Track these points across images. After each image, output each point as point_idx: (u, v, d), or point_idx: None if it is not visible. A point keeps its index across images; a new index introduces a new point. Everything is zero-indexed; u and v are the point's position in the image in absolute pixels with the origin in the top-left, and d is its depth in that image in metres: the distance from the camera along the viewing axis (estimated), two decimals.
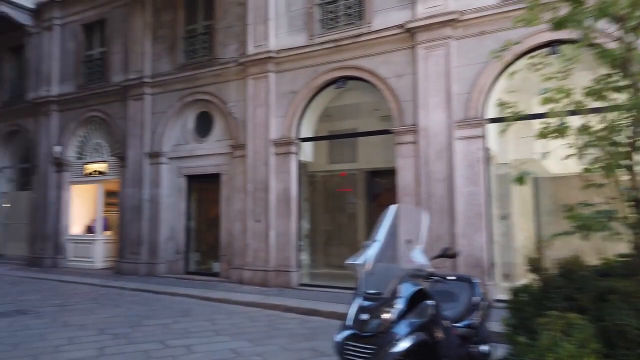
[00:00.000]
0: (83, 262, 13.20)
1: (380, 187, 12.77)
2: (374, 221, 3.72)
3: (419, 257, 3.34)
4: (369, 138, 10.71)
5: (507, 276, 8.20)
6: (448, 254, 3.80)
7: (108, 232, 13.70)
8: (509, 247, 8.45)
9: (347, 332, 3.11)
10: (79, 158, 13.70)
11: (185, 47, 11.69)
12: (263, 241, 9.91)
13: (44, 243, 13.60)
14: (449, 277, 3.66)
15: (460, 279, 4.15)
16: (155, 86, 11.90)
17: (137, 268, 11.63)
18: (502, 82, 7.84)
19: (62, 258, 13.44)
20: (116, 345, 5.58)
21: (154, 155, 11.78)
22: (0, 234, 15.57)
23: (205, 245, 12.01)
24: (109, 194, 13.88)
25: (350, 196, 12.54)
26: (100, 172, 13.22)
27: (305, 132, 10.14)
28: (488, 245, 7.80)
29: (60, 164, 13.63)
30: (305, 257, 10.22)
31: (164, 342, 5.72)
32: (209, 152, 11.17)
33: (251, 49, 10.29)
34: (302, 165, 10.16)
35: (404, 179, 8.48)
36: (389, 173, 11.97)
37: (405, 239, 3.63)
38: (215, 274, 10.93)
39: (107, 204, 13.84)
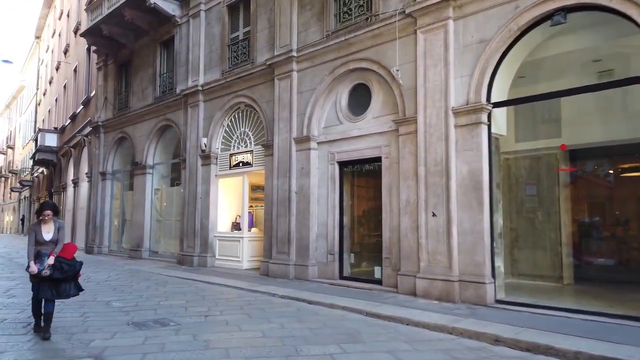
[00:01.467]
0: (230, 262, 12.20)
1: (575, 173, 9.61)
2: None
3: None
4: (581, 103, 7.77)
5: None
6: None
7: (254, 229, 12.55)
8: None
9: None
10: (225, 149, 12.80)
11: (337, 9, 9.86)
12: (442, 241, 7.54)
13: (192, 240, 12.96)
14: None
15: None
16: (302, 60, 10.29)
17: (285, 270, 10.10)
18: None
19: (210, 256, 12.62)
20: None
21: (302, 140, 10.17)
22: (154, 232, 15.56)
23: (361, 245, 10.05)
24: (254, 188, 12.81)
25: (530, 186, 9.58)
26: (245, 163, 12.09)
27: (498, 95, 7.54)
28: None
29: (206, 157, 12.88)
30: (499, 263, 7.57)
31: None
32: (366, 132, 9.14)
33: None
34: (493, 140, 7.56)
35: None
36: (614, 150, 8.84)
37: None
38: (377, 281, 8.85)
39: (252, 199, 12.76)
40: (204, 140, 12.88)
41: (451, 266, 7.40)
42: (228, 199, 12.96)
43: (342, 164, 9.73)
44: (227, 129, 12.78)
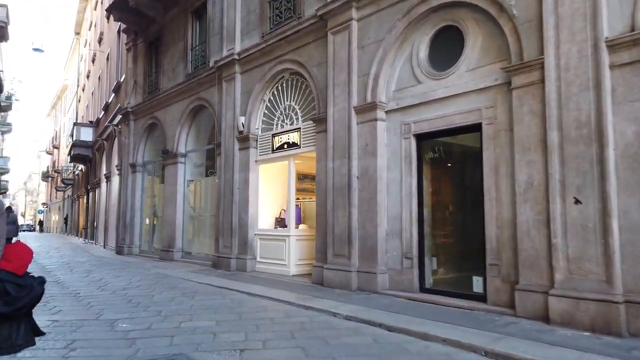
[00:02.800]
0: (273, 266, 9.96)
1: None
2: None
3: None
4: None
5: None
6: None
7: (302, 226, 10.27)
8: None
9: None
10: (266, 129, 10.59)
11: None
12: (593, 241, 4.96)
13: (229, 240, 10.82)
14: None
15: None
16: (364, 5, 7.93)
17: (345, 278, 7.75)
18: None
19: (250, 259, 10.43)
20: None
21: (366, 109, 7.79)
22: (187, 230, 13.58)
23: (449, 245, 7.55)
24: (301, 177, 10.55)
25: None
26: (291, 145, 9.82)
27: None
28: None
29: (244, 139, 10.71)
30: None
31: None
32: (458, 91, 6.65)
33: None
34: None
35: None
36: None
37: None
38: (477, 297, 6.35)
39: (299, 190, 10.49)
40: (242, 119, 10.73)
41: (611, 280, 4.82)
42: (271, 189, 10.75)
43: (421, 138, 7.28)
44: (268, 104, 10.56)
